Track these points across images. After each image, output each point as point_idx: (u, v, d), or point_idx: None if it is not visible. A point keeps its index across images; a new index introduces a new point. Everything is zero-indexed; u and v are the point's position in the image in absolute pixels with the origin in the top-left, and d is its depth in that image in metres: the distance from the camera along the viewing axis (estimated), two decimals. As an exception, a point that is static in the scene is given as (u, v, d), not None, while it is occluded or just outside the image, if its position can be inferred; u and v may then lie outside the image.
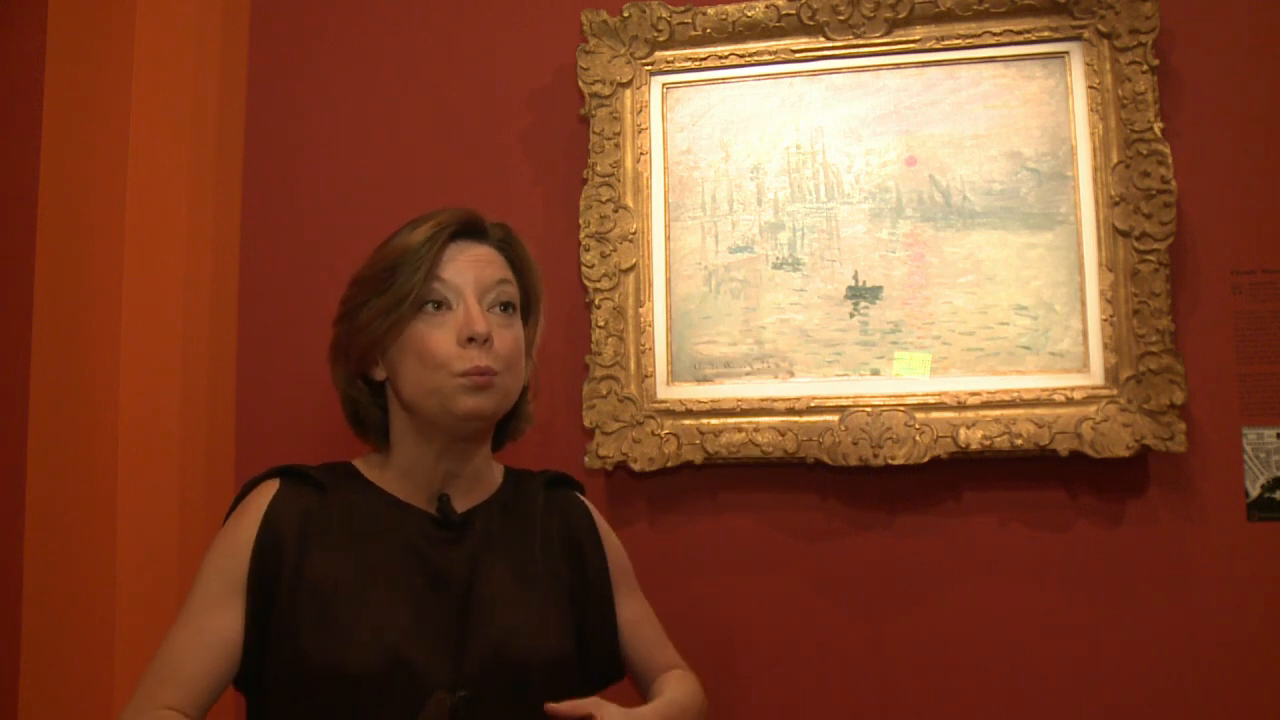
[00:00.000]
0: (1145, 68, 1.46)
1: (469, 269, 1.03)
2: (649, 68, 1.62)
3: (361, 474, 1.07)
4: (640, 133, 1.61)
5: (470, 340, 0.99)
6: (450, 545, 1.03)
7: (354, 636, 0.95)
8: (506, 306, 1.06)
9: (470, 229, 1.06)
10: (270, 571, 0.97)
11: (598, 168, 1.60)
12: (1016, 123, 1.52)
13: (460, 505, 1.07)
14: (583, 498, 1.21)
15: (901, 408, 1.49)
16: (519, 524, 1.10)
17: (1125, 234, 1.45)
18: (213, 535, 1.04)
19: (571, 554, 1.14)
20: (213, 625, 0.97)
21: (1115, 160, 1.47)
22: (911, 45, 1.55)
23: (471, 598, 1.01)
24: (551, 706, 0.96)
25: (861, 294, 1.55)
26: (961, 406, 1.48)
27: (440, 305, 1.01)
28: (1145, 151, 1.45)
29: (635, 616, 1.21)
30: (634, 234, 1.59)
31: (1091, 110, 1.49)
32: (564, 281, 1.63)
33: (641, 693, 1.22)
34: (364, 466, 1.08)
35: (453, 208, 1.07)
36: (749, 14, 1.58)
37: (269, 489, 1.01)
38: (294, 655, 0.95)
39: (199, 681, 0.95)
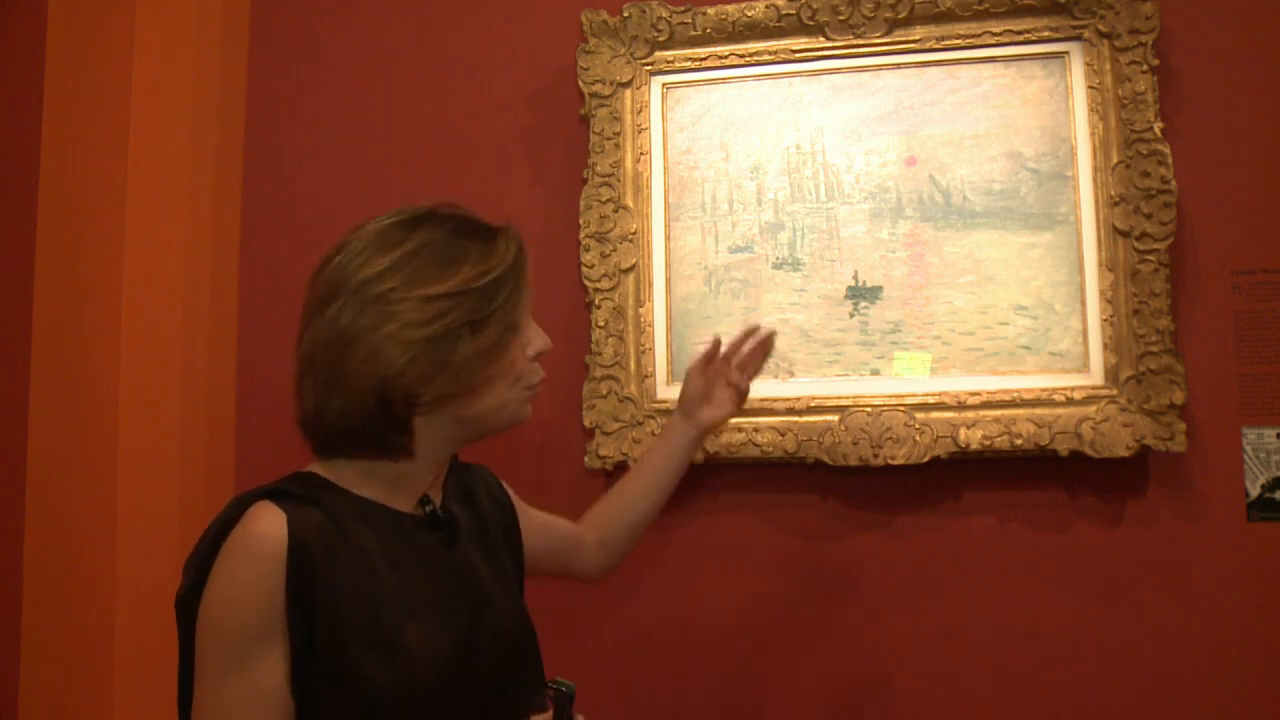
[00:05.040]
0: (1145, 68, 1.46)
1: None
2: (649, 68, 1.62)
3: (336, 485, 0.99)
4: (640, 133, 1.61)
5: (539, 354, 1.03)
6: (447, 547, 1.02)
7: (412, 656, 0.92)
8: None
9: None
10: (307, 600, 0.89)
11: (598, 168, 1.60)
12: (1016, 123, 1.52)
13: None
14: (480, 465, 1.22)
15: (901, 408, 1.49)
16: (471, 511, 1.10)
17: (1125, 234, 1.45)
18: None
19: (502, 522, 1.15)
20: (267, 675, 0.88)
21: (1115, 160, 1.47)
22: (911, 45, 1.55)
23: (478, 595, 1.02)
24: None
25: (861, 294, 1.55)
26: (961, 406, 1.48)
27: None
28: (1145, 151, 1.45)
29: (543, 524, 1.23)
30: (634, 234, 1.59)
31: (1091, 110, 1.49)
32: (564, 281, 1.63)
33: (574, 557, 1.25)
34: (333, 475, 1.00)
35: (503, 224, 1.03)
36: (749, 14, 1.58)
37: (274, 515, 0.91)
38: (349, 683, 0.89)
39: None
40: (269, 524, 0.90)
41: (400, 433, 0.97)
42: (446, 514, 1.04)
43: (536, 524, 1.22)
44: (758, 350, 1.32)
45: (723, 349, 1.32)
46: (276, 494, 0.94)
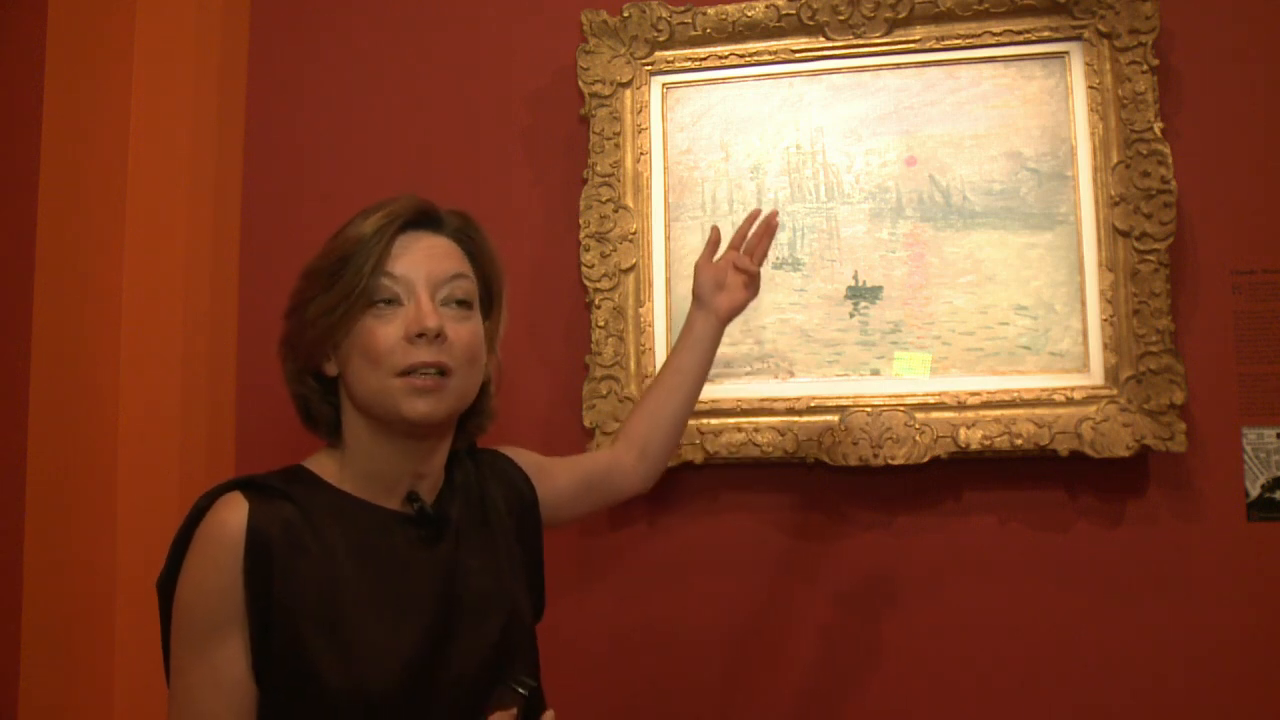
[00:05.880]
0: (1145, 68, 1.46)
1: (421, 263, 0.98)
2: (649, 68, 1.62)
3: (320, 478, 1.00)
4: (640, 133, 1.61)
5: (419, 336, 0.94)
6: (431, 545, 1.00)
7: (369, 656, 0.91)
8: (462, 303, 1.00)
9: (424, 218, 1.01)
10: (263, 590, 0.90)
11: (598, 168, 1.60)
12: (1016, 123, 1.52)
13: (426, 500, 1.04)
14: (497, 450, 1.18)
15: (901, 408, 1.49)
16: (475, 506, 1.07)
17: (1125, 234, 1.45)
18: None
19: (519, 509, 1.13)
20: (227, 662, 0.90)
21: (1115, 160, 1.47)
22: (911, 45, 1.55)
23: (460, 596, 1.00)
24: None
25: (861, 294, 1.55)
26: (961, 406, 1.48)
27: (391, 302, 0.96)
28: (1145, 151, 1.45)
29: (570, 470, 1.22)
30: (634, 234, 1.59)
31: (1091, 110, 1.49)
32: (564, 281, 1.63)
33: (615, 484, 1.27)
34: (319, 469, 1.01)
35: (407, 195, 1.01)
36: (749, 14, 1.58)
37: (238, 505, 0.92)
38: (305, 679, 0.90)
39: None
40: (229, 514, 0.92)
41: (315, 408, 1.02)
42: (438, 512, 1.02)
43: (563, 477, 1.20)
44: (764, 233, 1.34)
45: (727, 239, 1.35)
46: (249, 485, 0.95)
